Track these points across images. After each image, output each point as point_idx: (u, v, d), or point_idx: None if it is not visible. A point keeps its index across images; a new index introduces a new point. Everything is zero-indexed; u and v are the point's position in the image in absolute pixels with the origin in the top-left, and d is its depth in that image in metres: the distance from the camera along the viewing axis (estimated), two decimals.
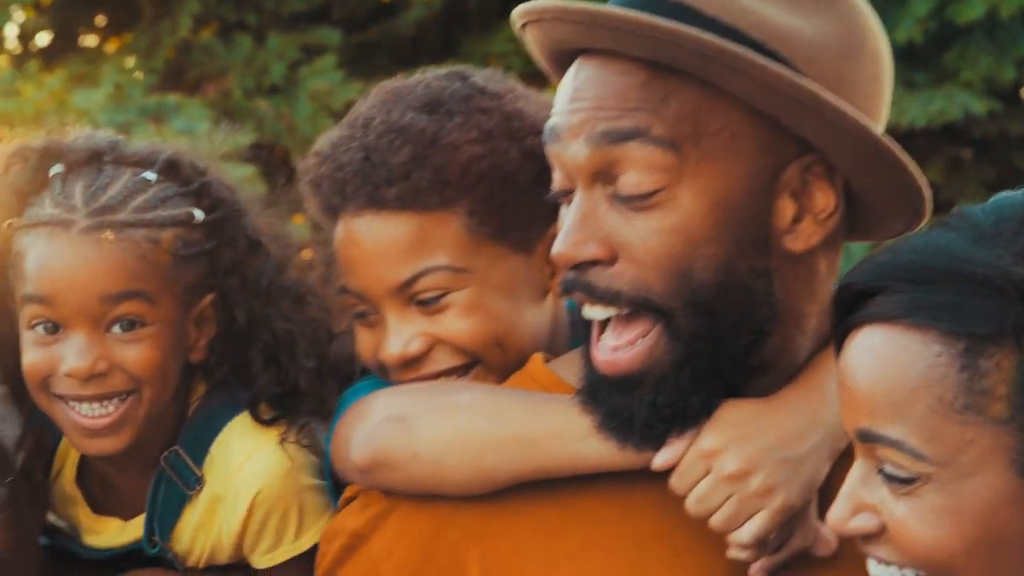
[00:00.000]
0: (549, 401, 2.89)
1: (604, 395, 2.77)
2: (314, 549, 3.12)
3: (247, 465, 3.17)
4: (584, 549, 2.88)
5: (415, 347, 3.05)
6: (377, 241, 3.05)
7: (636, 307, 2.69)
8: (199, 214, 3.14)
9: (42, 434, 3.22)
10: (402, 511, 2.93)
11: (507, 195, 3.07)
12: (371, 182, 3.03)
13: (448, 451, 2.86)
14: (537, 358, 3.05)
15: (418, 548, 2.91)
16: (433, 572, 2.90)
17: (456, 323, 3.05)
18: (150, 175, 3.14)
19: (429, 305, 3.05)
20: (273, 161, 8.55)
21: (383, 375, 3.14)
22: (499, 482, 2.87)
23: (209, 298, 3.16)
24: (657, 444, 2.76)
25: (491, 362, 3.10)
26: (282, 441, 3.16)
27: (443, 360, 3.08)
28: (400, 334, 3.05)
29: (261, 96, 9.61)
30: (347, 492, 3.03)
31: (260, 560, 3.24)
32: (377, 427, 2.92)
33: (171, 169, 3.16)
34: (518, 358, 3.08)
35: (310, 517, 3.21)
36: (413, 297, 3.05)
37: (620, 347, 2.73)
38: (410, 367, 3.07)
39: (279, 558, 3.23)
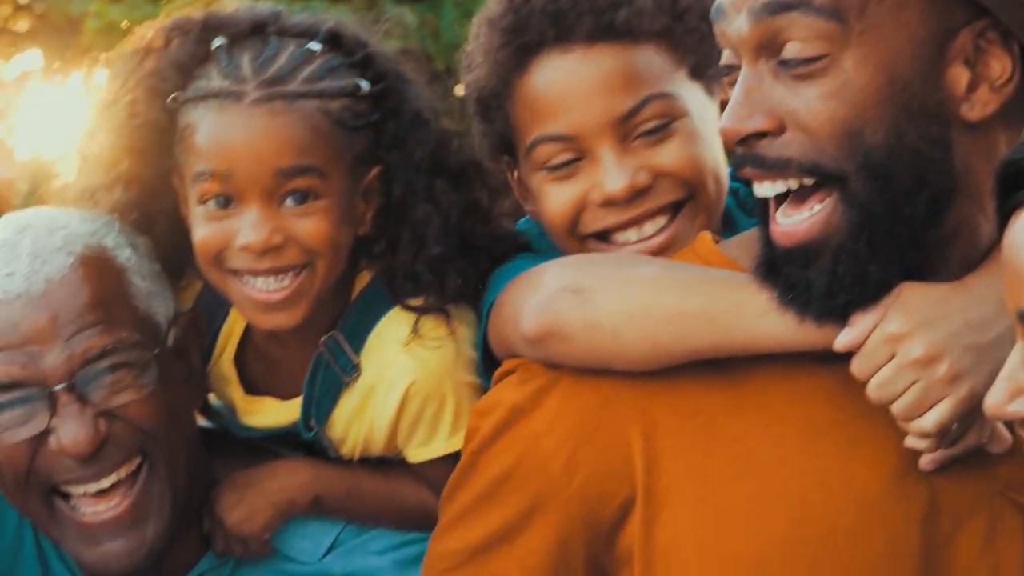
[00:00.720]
0: (728, 277, 2.83)
1: (782, 268, 2.71)
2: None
3: (402, 356, 3.14)
4: (751, 432, 2.83)
5: (643, 178, 3.02)
6: (597, 73, 3.02)
7: (808, 174, 2.64)
8: (365, 84, 3.10)
9: (198, 314, 3.21)
10: (565, 386, 2.88)
11: (706, 30, 3.04)
12: (595, 9, 3.01)
13: (626, 323, 2.80)
14: (706, 236, 3.00)
15: (581, 424, 2.87)
16: (595, 449, 2.86)
17: (681, 151, 3.04)
18: (315, 46, 3.10)
19: (653, 135, 3.02)
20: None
21: (567, 238, 3.08)
22: (674, 358, 2.82)
23: (375, 170, 3.13)
24: (837, 318, 2.68)
25: (706, 196, 3.08)
26: (416, 323, 3.12)
27: (665, 193, 3.05)
28: (623, 167, 3.01)
29: (407, 3, 9.61)
30: (504, 366, 2.98)
31: (413, 454, 3.23)
32: (552, 297, 2.86)
33: (335, 40, 3.13)
34: (720, 200, 3.08)
35: (466, 415, 3.15)
36: (635, 129, 3.02)
37: (797, 214, 2.67)
38: (632, 203, 3.03)
39: (432, 453, 3.21)
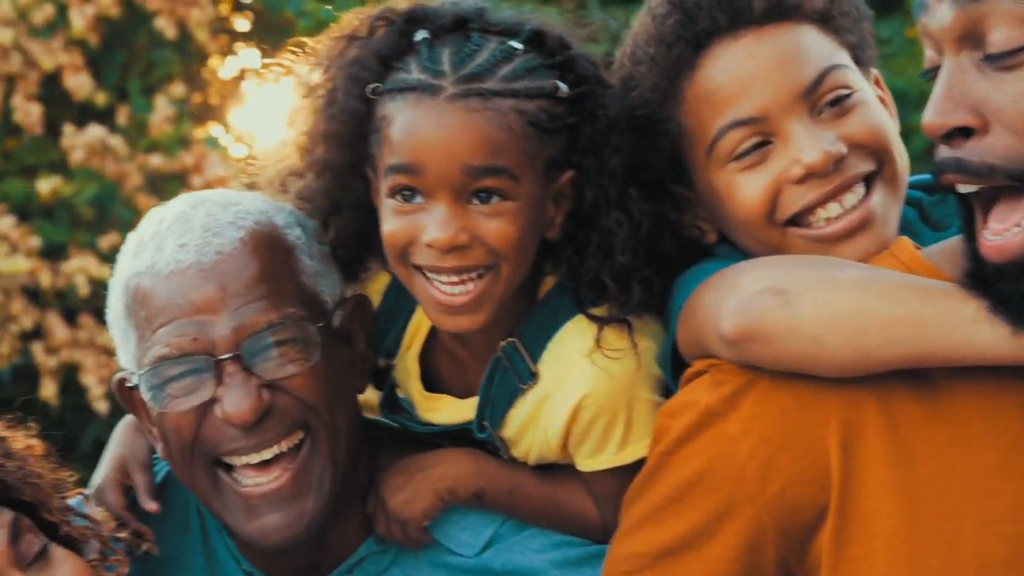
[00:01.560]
0: (936, 285, 2.75)
1: (992, 281, 2.63)
2: (638, 464, 3.02)
3: (581, 367, 3.10)
4: (948, 448, 2.76)
5: (839, 148, 2.97)
6: (773, 53, 3.00)
7: (1014, 180, 2.54)
8: (564, 87, 3.06)
9: (364, 301, 3.23)
10: (762, 389, 2.83)
11: (858, 15, 3.11)
12: None
13: (829, 328, 2.74)
14: (906, 242, 2.94)
15: (779, 428, 2.81)
16: (792, 455, 2.81)
17: (867, 120, 3.01)
18: (516, 44, 3.07)
19: (838, 106, 3.00)
20: None
21: (765, 227, 3.02)
22: (877, 364, 2.75)
23: (568, 175, 3.09)
24: None
25: (892, 168, 3.04)
26: (598, 334, 3.07)
27: (858, 163, 3.01)
28: (817, 138, 2.97)
29: (615, 6, 9.58)
30: (695, 367, 2.93)
31: (582, 463, 3.20)
32: (753, 298, 2.81)
33: (537, 40, 3.09)
34: (904, 177, 3.05)
35: (638, 430, 3.13)
36: (819, 100, 2.99)
37: (1006, 231, 2.59)
38: (830, 174, 2.98)
39: (599, 465, 3.17)
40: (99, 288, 13.12)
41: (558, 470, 3.25)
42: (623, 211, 3.06)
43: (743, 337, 2.80)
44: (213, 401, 3.06)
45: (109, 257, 13.20)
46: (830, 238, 3.01)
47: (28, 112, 12.97)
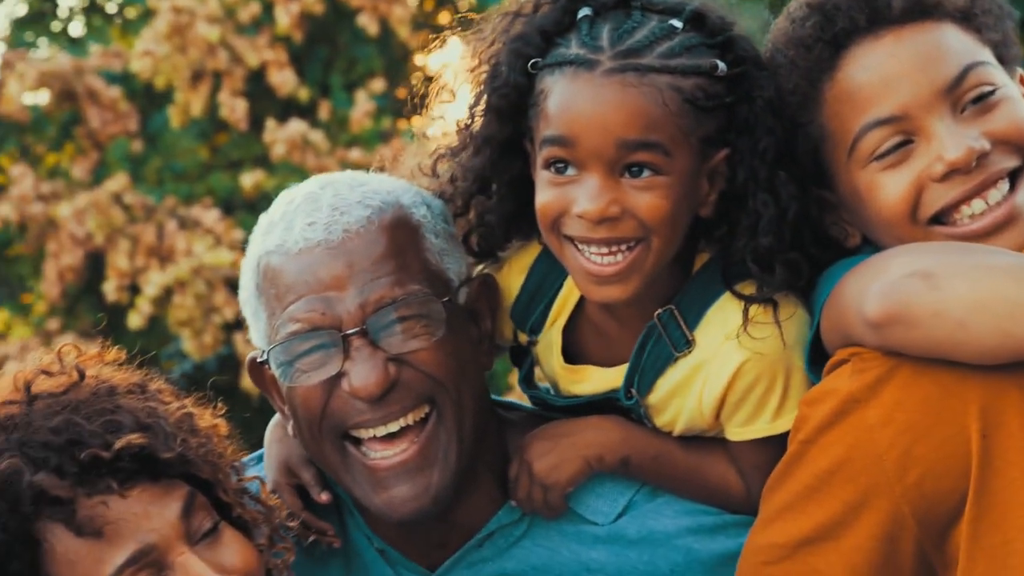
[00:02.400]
0: None
1: None
2: (781, 442, 3.01)
3: (736, 338, 3.09)
4: None
5: (982, 144, 2.93)
6: (914, 51, 2.98)
7: None
8: (723, 66, 3.06)
9: (490, 279, 3.28)
10: (903, 377, 2.79)
11: (999, 13, 3.07)
12: None
13: (976, 312, 2.70)
14: None
15: (920, 417, 2.77)
16: (933, 444, 2.76)
17: (1011, 116, 2.98)
18: (677, 23, 3.08)
19: (981, 102, 2.96)
20: None
21: (908, 226, 2.99)
22: (1022, 351, 2.68)
23: (723, 153, 3.08)
24: None
25: None
26: (746, 310, 3.07)
27: (1002, 159, 2.96)
28: (960, 135, 2.94)
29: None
30: (837, 356, 2.90)
31: (734, 432, 3.18)
32: (899, 282, 2.77)
33: (698, 19, 3.10)
34: None
35: (793, 399, 3.09)
36: (962, 98, 2.96)
37: None
38: (973, 171, 2.94)
39: (753, 434, 3.15)
40: None
41: (703, 441, 3.25)
42: (770, 193, 3.05)
43: (888, 320, 2.76)
44: (341, 375, 3.11)
45: None
46: (975, 235, 2.95)
47: (233, 108, 13.28)
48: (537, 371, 3.39)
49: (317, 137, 12.84)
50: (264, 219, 3.25)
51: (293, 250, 3.13)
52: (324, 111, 13.36)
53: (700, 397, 3.15)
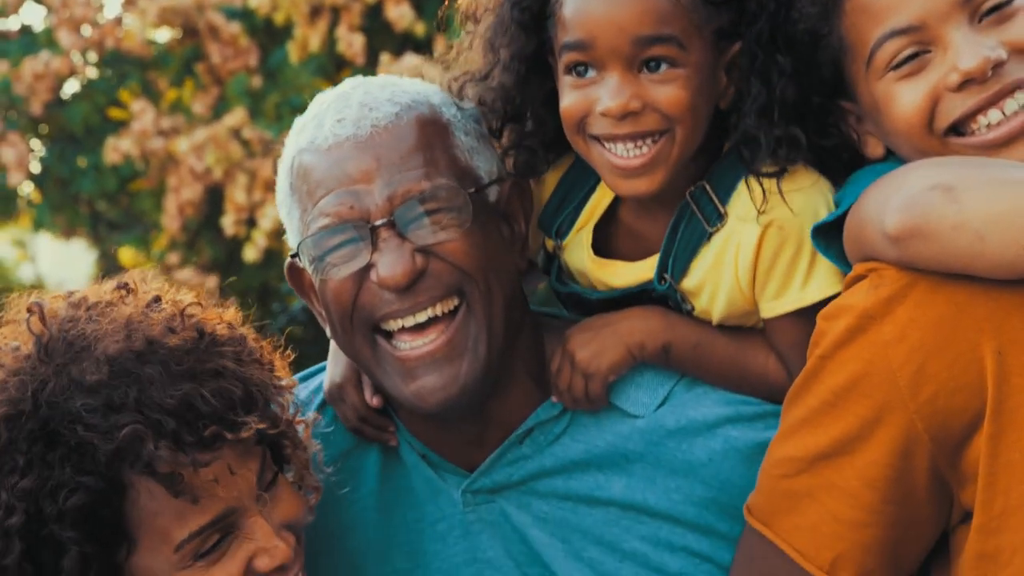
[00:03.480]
0: None
1: None
2: (815, 316, 3.00)
3: (761, 208, 3.14)
4: None
5: (998, 53, 2.90)
6: None
7: None
8: None
9: (523, 183, 3.32)
10: (919, 294, 2.78)
11: None
12: None
13: (995, 225, 2.67)
14: None
15: (933, 334, 2.76)
16: (946, 361, 2.75)
17: None
18: None
19: (999, 11, 2.93)
20: None
21: (924, 136, 2.96)
22: None
23: (737, 46, 3.14)
24: None
25: None
26: (761, 182, 3.12)
27: (1018, 70, 2.93)
28: (976, 44, 2.91)
29: None
30: (855, 270, 2.90)
31: (768, 309, 3.19)
32: (920, 195, 2.75)
33: None
34: None
35: (821, 266, 3.13)
36: (980, 7, 2.93)
37: None
38: (989, 81, 2.91)
39: (785, 307, 3.17)
40: None
41: (741, 330, 3.28)
42: (764, 77, 3.10)
43: (907, 233, 2.76)
44: (369, 267, 3.16)
45: None
46: (991, 145, 2.92)
47: (351, 43, 13.28)
48: (565, 274, 3.42)
49: (433, 72, 12.81)
50: (297, 121, 3.31)
51: (323, 146, 3.18)
52: (440, 46, 13.32)
53: (735, 270, 3.17)
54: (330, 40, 13.45)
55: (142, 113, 13.39)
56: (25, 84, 13.83)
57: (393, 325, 3.18)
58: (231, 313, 3.13)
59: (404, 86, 3.28)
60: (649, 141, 3.09)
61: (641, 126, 3.08)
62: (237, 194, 13.01)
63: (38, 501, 2.85)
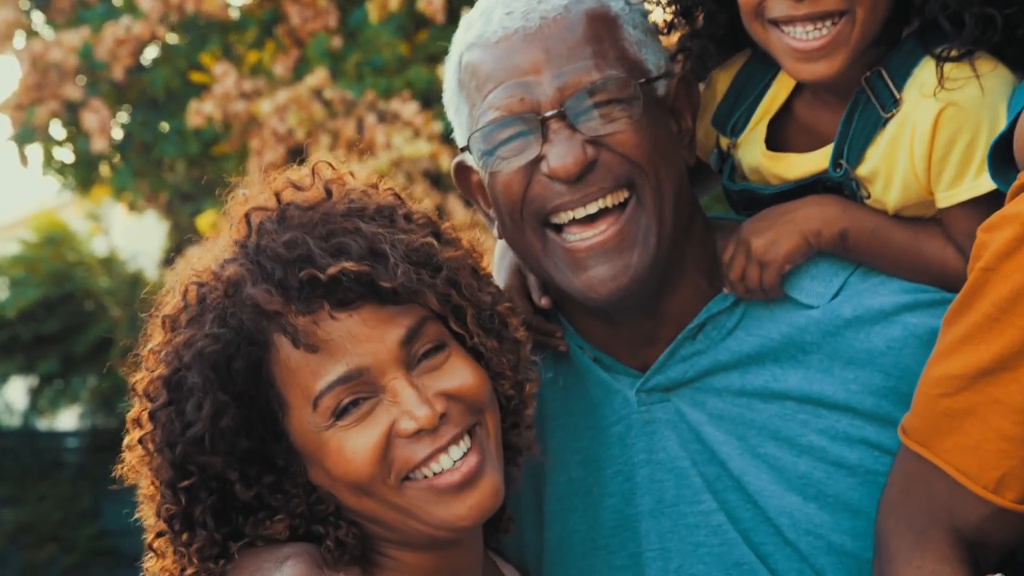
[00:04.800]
0: None
1: None
2: (992, 206, 2.92)
3: (937, 92, 3.08)
4: None
5: None
6: None
7: None
8: None
9: (690, 77, 3.31)
10: None
11: None
12: None
13: None
14: None
15: None
16: None
17: None
18: None
19: None
20: None
21: None
22: None
23: None
24: None
25: None
26: (939, 65, 3.06)
27: None
28: None
29: None
30: (1019, 180, 2.77)
31: (943, 198, 3.14)
32: None
33: None
34: None
35: None
36: None
37: None
38: None
39: (960, 196, 3.11)
40: None
41: (917, 220, 3.23)
42: None
43: None
44: (540, 158, 3.15)
45: None
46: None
47: (431, 1, 13.25)
48: (738, 173, 3.39)
49: None
50: (464, 19, 3.31)
51: (492, 40, 3.18)
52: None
53: (911, 154, 3.12)
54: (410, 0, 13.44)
55: (224, 76, 13.44)
56: (106, 50, 13.89)
57: (564, 217, 3.16)
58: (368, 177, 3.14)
59: None
60: (829, 23, 3.05)
61: (820, 6, 3.04)
62: (321, 154, 13.01)
63: (179, 353, 2.95)
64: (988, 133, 3.05)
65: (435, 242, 3.04)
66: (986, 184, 3.05)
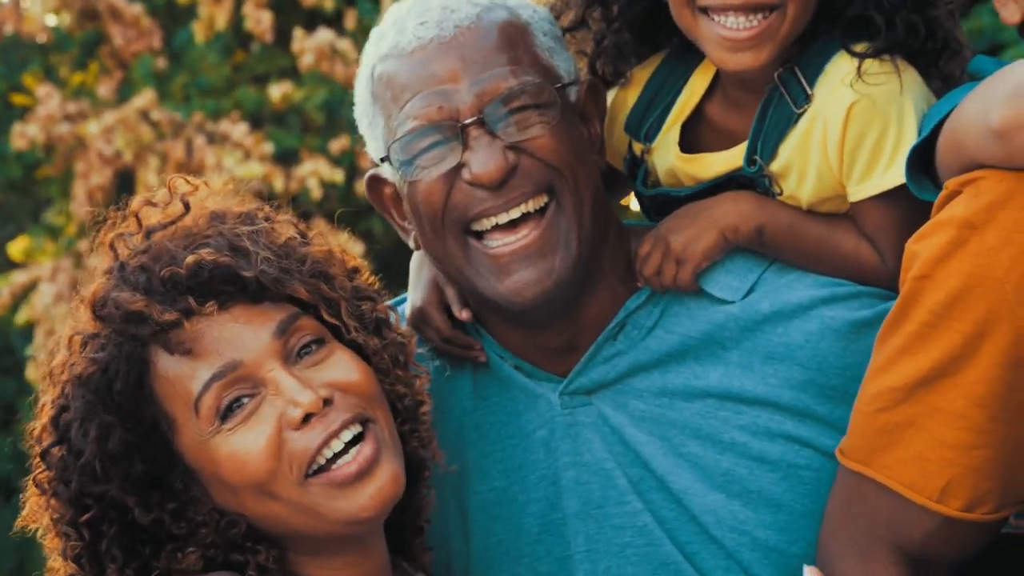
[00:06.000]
0: None
1: None
2: (902, 200, 3.04)
3: (849, 85, 3.14)
4: None
5: None
6: None
7: None
8: None
9: (597, 83, 3.34)
10: (1022, 197, 2.69)
11: None
12: None
13: None
14: None
15: None
16: None
17: None
18: None
19: None
20: None
21: None
22: None
23: None
24: None
25: None
26: (860, 61, 3.13)
27: None
28: None
29: None
30: (947, 188, 2.81)
31: (855, 192, 3.19)
32: None
33: None
34: None
35: (904, 148, 3.09)
36: None
37: None
38: None
39: (870, 190, 3.17)
40: (331, 191, 13.37)
41: (831, 216, 3.28)
42: None
43: (1015, 124, 2.68)
44: (460, 166, 3.16)
45: (340, 161, 13.45)
46: None
47: (259, 20, 13.14)
48: (651, 178, 3.41)
49: (346, 46, 12.71)
50: (374, 32, 3.31)
51: (407, 50, 3.19)
52: (350, 20, 13.23)
53: (824, 148, 3.17)
54: (237, 19, 13.30)
55: (48, 98, 13.13)
56: None
57: (486, 223, 3.17)
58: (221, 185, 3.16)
59: None
60: (760, 16, 3.10)
61: None
62: (149, 177, 12.80)
63: (63, 389, 2.97)
64: (897, 129, 3.12)
65: (299, 237, 3.07)
66: (895, 178, 3.10)
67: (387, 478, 2.93)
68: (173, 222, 3.00)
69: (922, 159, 2.95)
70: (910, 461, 2.82)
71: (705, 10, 3.13)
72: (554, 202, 3.18)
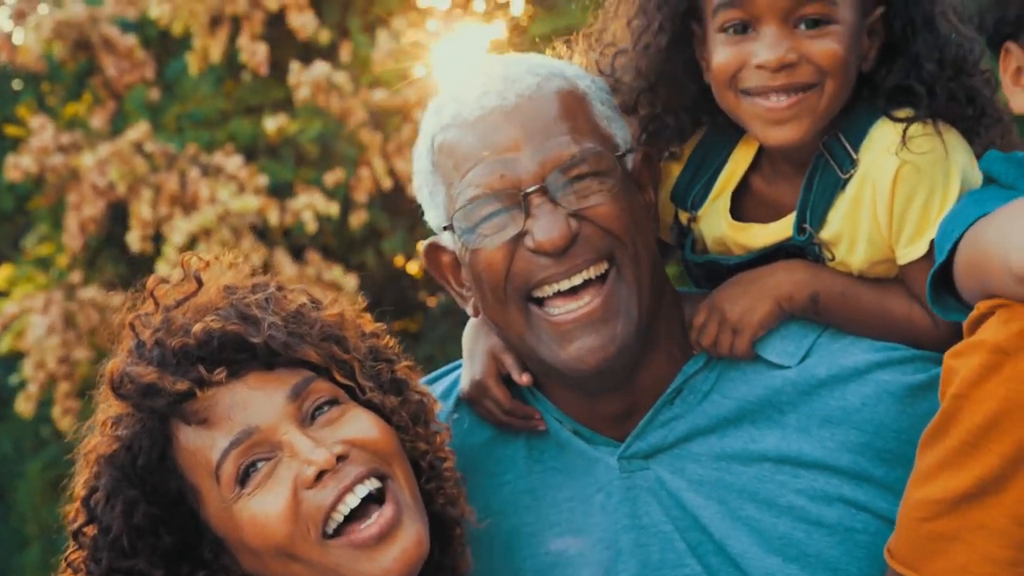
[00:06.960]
0: None
1: None
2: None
3: (895, 151, 3.18)
4: None
5: None
6: None
7: None
8: None
9: (651, 152, 3.38)
10: None
11: None
12: None
13: None
14: None
15: None
16: None
17: None
18: None
19: None
20: None
21: None
22: None
23: (879, 11, 3.23)
24: None
25: None
26: (905, 130, 3.17)
27: None
28: None
29: None
30: (978, 309, 2.86)
31: (904, 255, 3.22)
32: None
33: None
34: None
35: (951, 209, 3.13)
36: None
37: None
38: None
39: (919, 252, 3.20)
40: (325, 224, 13.36)
41: (882, 280, 3.31)
42: (930, 31, 3.22)
43: None
44: (523, 234, 3.19)
45: (334, 193, 13.43)
46: None
47: (254, 52, 13.13)
48: (698, 246, 3.46)
49: (341, 78, 12.72)
50: (432, 103, 3.35)
51: (469, 119, 3.23)
52: (345, 53, 13.23)
53: (874, 212, 3.21)
54: (231, 50, 13.28)
55: (41, 129, 13.09)
56: None
57: (548, 290, 3.19)
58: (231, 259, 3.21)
59: (537, 60, 3.34)
60: (800, 93, 3.15)
61: (795, 78, 3.14)
62: (142, 209, 12.77)
63: (93, 471, 3.07)
64: (943, 190, 3.16)
65: (308, 303, 3.12)
66: None
67: (411, 541, 2.95)
68: (187, 298, 3.07)
69: (946, 277, 2.99)
70: (955, 572, 2.88)
71: (747, 92, 3.18)
72: (614, 269, 3.20)
